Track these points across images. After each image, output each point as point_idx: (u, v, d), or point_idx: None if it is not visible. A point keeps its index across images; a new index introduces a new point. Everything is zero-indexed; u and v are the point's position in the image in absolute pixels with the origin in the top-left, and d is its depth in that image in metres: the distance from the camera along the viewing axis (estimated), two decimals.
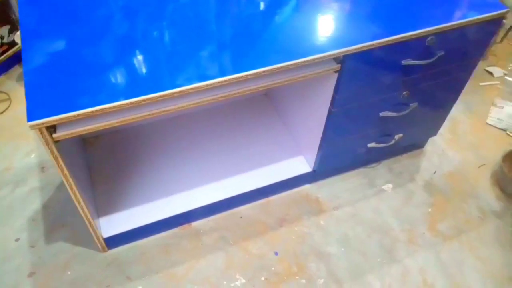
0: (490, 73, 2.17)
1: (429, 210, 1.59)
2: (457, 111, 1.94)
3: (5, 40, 1.94)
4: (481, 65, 2.20)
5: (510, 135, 1.87)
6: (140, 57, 1.07)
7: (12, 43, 1.96)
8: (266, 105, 1.81)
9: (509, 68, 2.19)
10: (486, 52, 2.21)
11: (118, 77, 1.02)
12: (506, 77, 2.14)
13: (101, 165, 1.55)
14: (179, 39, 1.14)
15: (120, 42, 1.11)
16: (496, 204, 1.62)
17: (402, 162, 1.75)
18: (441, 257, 1.46)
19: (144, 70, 1.04)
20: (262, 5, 1.28)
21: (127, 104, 0.95)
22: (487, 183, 1.69)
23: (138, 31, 1.16)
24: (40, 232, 1.46)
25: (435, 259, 1.46)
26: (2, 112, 1.82)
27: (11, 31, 1.94)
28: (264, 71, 1.06)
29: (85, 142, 1.61)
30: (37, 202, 1.53)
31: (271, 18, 1.23)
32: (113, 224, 1.39)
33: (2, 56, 1.94)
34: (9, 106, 1.84)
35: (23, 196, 1.55)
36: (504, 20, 2.31)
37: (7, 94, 1.89)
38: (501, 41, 2.32)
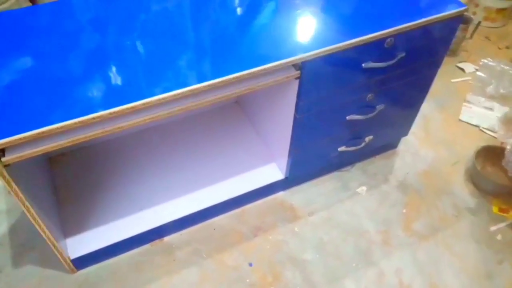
0: (462, 69, 2.18)
1: (404, 210, 1.58)
2: (429, 109, 1.94)
3: None
4: (452, 61, 2.21)
5: (483, 131, 1.87)
6: (92, 79, 1.05)
7: None
8: (237, 112, 1.79)
9: (481, 64, 2.20)
10: (455, 48, 2.22)
11: (71, 95, 0.99)
12: (478, 73, 2.14)
13: (68, 183, 1.51)
14: (133, 54, 1.12)
15: (80, 57, 1.09)
16: (470, 201, 1.61)
17: (376, 163, 1.74)
18: (417, 257, 1.45)
19: (98, 88, 1.02)
20: (221, 15, 1.27)
21: (75, 123, 0.92)
22: (461, 180, 1.69)
23: (92, 45, 1.14)
24: (7, 256, 1.42)
25: (411, 259, 1.45)
26: None
27: None
28: (218, 82, 1.04)
29: (50, 160, 1.57)
30: (4, 226, 1.49)
31: (229, 27, 1.22)
32: (80, 244, 1.35)
33: None
34: None
35: None
36: (472, 16, 2.33)
37: None
38: (471, 36, 2.33)
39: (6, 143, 0.89)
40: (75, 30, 1.19)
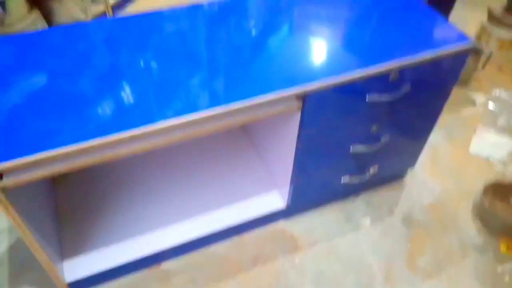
0: (473, 100, 2.14)
1: (408, 245, 1.54)
2: (438, 139, 1.91)
3: None
4: (463, 91, 2.18)
5: (493, 164, 1.83)
6: (95, 102, 1.06)
7: None
8: (242, 137, 1.79)
9: (492, 95, 2.16)
10: (466, 78, 2.19)
11: (78, 119, 1.00)
12: (489, 104, 2.11)
13: (70, 203, 1.52)
14: (134, 83, 1.13)
15: (91, 80, 1.11)
16: (477, 238, 1.57)
17: (381, 194, 1.71)
18: None
19: (97, 114, 1.02)
20: (229, 41, 1.27)
21: (75, 149, 0.92)
22: (468, 215, 1.64)
23: (103, 68, 1.15)
24: (5, 276, 1.42)
25: None
26: None
27: None
28: (218, 113, 1.04)
29: (53, 179, 1.58)
30: (4, 245, 1.50)
31: (235, 54, 1.22)
32: (77, 267, 1.34)
33: None
34: None
35: None
36: (484, 46, 2.31)
37: None
38: (483, 67, 2.30)
39: (4, 167, 0.89)
40: (88, 52, 1.21)
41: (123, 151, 1.02)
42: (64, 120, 1.00)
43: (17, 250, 1.48)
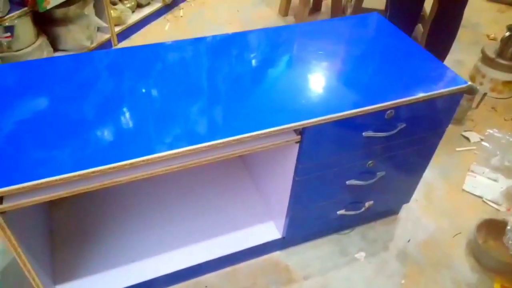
0: (467, 138, 2.19)
1: (402, 281, 1.54)
2: (432, 177, 1.93)
3: None
4: (457, 130, 2.22)
5: (486, 203, 1.85)
6: (96, 130, 1.08)
7: None
8: (239, 167, 1.81)
9: (486, 134, 2.21)
10: (461, 117, 2.24)
11: (78, 146, 1.02)
12: (483, 143, 2.15)
13: (64, 228, 1.51)
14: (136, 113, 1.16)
15: (97, 106, 1.14)
16: (471, 277, 1.57)
17: (376, 229, 1.71)
18: None
19: (101, 140, 1.04)
20: (228, 73, 1.31)
21: (74, 176, 0.94)
22: (462, 253, 1.65)
23: (105, 96, 1.18)
24: None
25: None
26: None
27: None
28: (217, 144, 1.06)
29: (49, 204, 1.58)
30: None
31: (234, 85, 1.26)
32: None
33: None
34: None
35: None
36: (479, 86, 2.37)
37: None
38: (477, 106, 2.36)
39: (4, 192, 0.90)
40: (91, 80, 1.24)
41: (120, 179, 1.03)
42: (64, 147, 1.02)
43: (8, 273, 1.47)
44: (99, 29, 2.54)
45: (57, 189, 0.98)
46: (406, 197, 1.68)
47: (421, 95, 1.25)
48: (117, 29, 2.64)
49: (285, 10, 3.06)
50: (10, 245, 1.03)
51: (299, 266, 1.56)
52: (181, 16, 3.05)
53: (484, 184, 1.92)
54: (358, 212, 1.54)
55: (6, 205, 0.95)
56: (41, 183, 0.92)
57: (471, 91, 2.18)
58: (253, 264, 1.55)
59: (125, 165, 0.98)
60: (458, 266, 1.60)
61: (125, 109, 1.14)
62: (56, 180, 0.93)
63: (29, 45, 2.13)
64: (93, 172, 0.96)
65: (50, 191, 0.97)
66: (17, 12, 1.99)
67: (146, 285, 1.41)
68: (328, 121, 1.17)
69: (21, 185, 0.91)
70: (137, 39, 2.77)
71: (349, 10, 2.82)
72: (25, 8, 2.02)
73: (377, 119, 1.25)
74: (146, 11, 2.88)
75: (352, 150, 1.31)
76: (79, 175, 0.94)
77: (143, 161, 1.00)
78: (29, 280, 1.15)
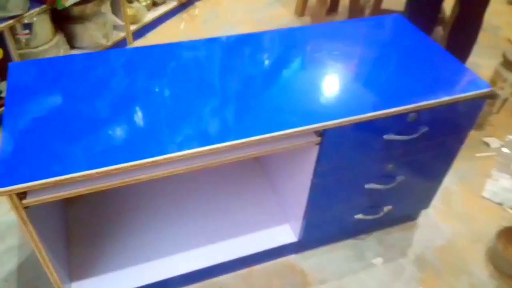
0: (487, 144, 2.15)
1: (420, 287, 1.51)
2: (452, 182, 1.90)
3: (3, 95, 1.99)
4: (477, 135, 2.19)
5: (506, 210, 1.81)
6: (115, 127, 1.08)
7: None
8: (256, 169, 1.79)
9: (507, 139, 2.17)
10: (481, 122, 2.21)
11: (101, 142, 1.02)
12: (503, 149, 2.11)
13: (80, 225, 1.52)
14: (160, 110, 1.15)
15: (113, 104, 1.13)
16: (489, 284, 1.53)
17: (394, 234, 1.69)
18: None
19: (119, 138, 1.04)
20: (247, 72, 1.30)
21: (96, 173, 0.94)
22: (481, 259, 1.61)
23: (121, 93, 1.18)
24: None
25: None
26: None
27: None
28: (238, 144, 1.05)
29: (66, 200, 1.58)
30: (13, 262, 1.49)
31: (254, 85, 1.25)
32: None
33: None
34: None
35: None
36: (499, 91, 2.33)
37: None
38: (498, 111, 2.32)
39: (29, 187, 0.90)
40: (107, 78, 1.24)
41: (141, 177, 1.03)
42: (81, 144, 1.02)
43: (24, 268, 1.48)
44: (115, 27, 2.55)
45: (78, 186, 0.97)
46: (425, 202, 1.65)
47: (445, 98, 1.23)
48: (133, 27, 2.65)
49: (301, 10, 3.04)
50: (31, 240, 1.03)
51: (315, 270, 1.54)
52: (196, 15, 3.05)
53: (504, 191, 1.88)
54: (376, 216, 1.51)
55: (29, 200, 0.95)
56: (65, 179, 0.92)
57: (491, 96, 2.14)
58: (268, 266, 1.54)
59: (147, 163, 0.97)
60: (476, 272, 1.57)
61: (141, 109, 1.14)
62: (79, 177, 0.93)
63: (47, 42, 2.14)
64: (115, 169, 0.95)
65: (72, 187, 0.97)
66: (36, 10, 2.00)
67: (161, 284, 1.40)
68: (349, 123, 1.15)
69: (46, 180, 0.91)
70: (152, 38, 2.78)
71: (367, 11, 2.79)
72: (44, 6, 2.03)
73: (399, 122, 1.23)
74: (161, 9, 2.89)
75: (372, 153, 1.29)
76: (101, 172, 0.94)
77: (164, 159, 0.99)
78: (46, 277, 1.16)
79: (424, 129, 1.28)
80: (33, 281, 1.44)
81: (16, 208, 0.96)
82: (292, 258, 1.57)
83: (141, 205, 1.60)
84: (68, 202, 1.58)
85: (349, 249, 1.62)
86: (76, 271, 1.38)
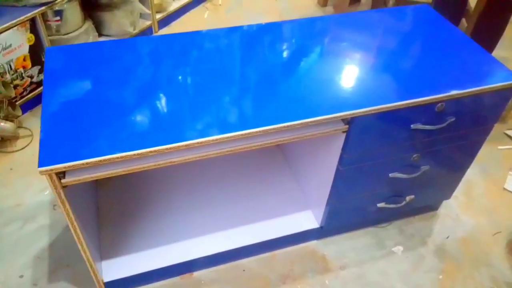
0: (510, 137, 2.13)
1: (440, 277, 1.53)
2: (473, 174, 1.90)
3: (34, 79, 2.05)
4: (500, 128, 2.17)
5: None
6: (148, 111, 1.12)
7: (40, 83, 2.07)
8: (278, 156, 1.82)
9: None
10: (505, 115, 2.19)
11: (133, 126, 1.06)
12: None
13: (110, 207, 1.57)
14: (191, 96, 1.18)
15: (141, 90, 1.17)
16: (510, 275, 1.54)
17: (414, 224, 1.70)
18: None
19: (155, 121, 1.08)
20: (273, 60, 1.32)
21: (134, 155, 0.98)
22: (502, 252, 1.62)
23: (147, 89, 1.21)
24: (44, 270, 1.47)
25: None
26: (22, 148, 1.90)
27: (41, 71, 2.05)
28: (270, 129, 1.08)
29: (97, 182, 1.64)
30: (44, 240, 1.56)
31: (280, 73, 1.27)
32: (115, 268, 1.38)
33: (30, 94, 2.05)
34: (30, 143, 1.92)
35: (31, 233, 1.58)
36: None
37: (30, 131, 1.98)
38: None
39: (70, 166, 0.95)
40: (133, 65, 1.28)
41: (176, 159, 1.07)
42: (116, 129, 1.06)
43: (56, 246, 1.54)
44: (141, 15, 2.59)
45: (112, 167, 1.02)
46: (447, 193, 1.66)
47: (473, 88, 1.23)
48: (158, 16, 2.69)
49: (324, 0, 3.03)
50: (68, 218, 1.08)
51: (336, 256, 1.57)
52: (220, 5, 3.07)
53: None
54: (398, 205, 1.53)
55: (68, 180, 0.99)
56: (103, 160, 0.96)
57: None
58: (290, 251, 1.57)
59: (182, 146, 1.01)
60: (497, 264, 1.58)
61: (162, 95, 1.17)
62: (116, 158, 0.97)
63: (76, 29, 2.19)
64: (150, 151, 0.99)
65: (108, 168, 1.01)
66: None
67: (187, 265, 1.45)
68: (377, 111, 1.17)
69: (84, 160, 0.95)
70: (176, 27, 2.81)
71: (390, 2, 2.77)
72: None
73: (426, 112, 1.24)
74: None
75: (398, 142, 1.31)
76: (138, 154, 0.98)
77: (197, 143, 1.02)
78: (76, 254, 1.20)
79: (451, 119, 1.28)
80: (63, 258, 1.50)
81: (55, 187, 1.00)
82: (313, 244, 1.60)
83: (169, 188, 1.65)
84: (99, 184, 1.64)
85: (370, 237, 1.64)
86: (106, 250, 1.43)
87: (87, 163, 0.96)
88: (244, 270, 1.51)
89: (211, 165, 1.75)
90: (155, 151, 1.00)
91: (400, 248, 1.61)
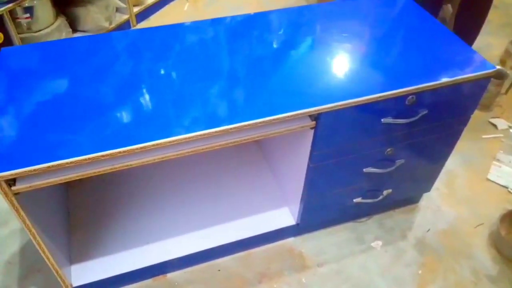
0: (494, 125, 2.10)
1: (419, 271, 1.51)
2: (455, 165, 1.87)
3: None
4: (484, 116, 2.14)
5: (511, 193, 1.78)
6: (118, 111, 1.07)
7: None
8: (255, 152, 1.79)
9: None
10: (489, 103, 2.15)
11: (88, 131, 1.02)
12: (511, 130, 2.06)
13: (81, 209, 1.53)
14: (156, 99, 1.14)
15: (110, 87, 1.13)
16: (491, 268, 1.52)
17: (394, 217, 1.67)
18: None
19: (113, 123, 1.04)
20: (245, 56, 1.28)
21: (85, 159, 0.94)
22: (484, 244, 1.59)
23: (124, 75, 1.17)
24: (15, 276, 1.44)
25: None
26: None
27: None
28: (230, 128, 1.04)
29: (67, 183, 1.60)
30: (16, 245, 1.52)
31: (251, 70, 1.23)
32: (85, 272, 1.35)
33: None
34: None
35: (3, 238, 1.54)
36: (508, 71, 2.26)
37: None
38: (506, 92, 2.26)
39: (17, 173, 0.91)
40: (110, 61, 1.23)
41: (134, 162, 1.03)
42: (79, 129, 1.02)
43: (27, 251, 1.51)
44: (117, 9, 2.53)
45: (69, 171, 0.98)
46: (426, 185, 1.62)
47: (444, 80, 1.19)
48: (136, 9, 2.63)
49: None
50: (24, 226, 1.05)
51: (314, 253, 1.54)
52: None
53: (510, 174, 1.85)
54: (375, 200, 1.50)
55: (19, 187, 0.95)
56: (52, 166, 0.92)
57: (500, 76, 2.08)
58: (267, 249, 1.55)
59: (136, 148, 0.97)
60: (478, 256, 1.55)
61: (143, 91, 1.13)
62: (67, 163, 0.93)
63: (48, 26, 2.14)
64: (102, 155, 0.95)
65: (62, 173, 0.97)
66: None
67: (161, 267, 1.42)
68: (344, 106, 1.13)
69: (33, 167, 0.91)
70: (155, 20, 2.75)
71: None
72: None
73: (397, 105, 1.20)
74: None
75: (369, 137, 1.27)
76: (90, 158, 0.94)
77: (165, 143, 0.99)
78: None
79: (424, 112, 1.24)
80: (35, 263, 1.47)
81: (6, 195, 0.96)
82: (291, 241, 1.58)
83: (141, 189, 1.61)
84: (69, 186, 1.60)
85: (348, 232, 1.61)
86: (76, 253, 1.40)
87: (35, 170, 0.92)
88: (219, 270, 1.48)
89: (185, 163, 1.71)
90: (107, 155, 0.96)
91: (379, 243, 1.59)
